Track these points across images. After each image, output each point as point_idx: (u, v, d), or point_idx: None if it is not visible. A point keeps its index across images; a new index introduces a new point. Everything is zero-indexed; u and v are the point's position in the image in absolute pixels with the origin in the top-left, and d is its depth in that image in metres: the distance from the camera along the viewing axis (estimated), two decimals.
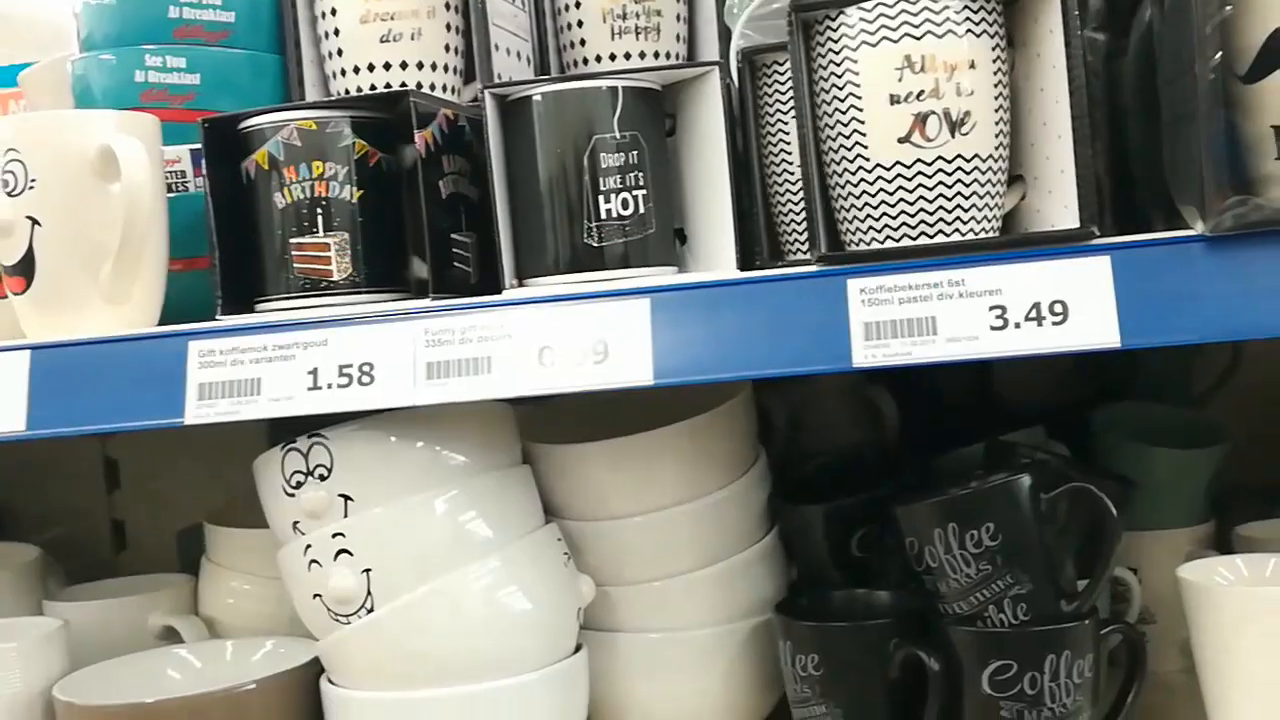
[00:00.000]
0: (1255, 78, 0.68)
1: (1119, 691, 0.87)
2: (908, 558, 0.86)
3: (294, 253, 0.86)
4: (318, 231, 0.86)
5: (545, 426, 0.96)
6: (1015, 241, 0.74)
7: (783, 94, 0.89)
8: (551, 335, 0.77)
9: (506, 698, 0.84)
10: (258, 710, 0.87)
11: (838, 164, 0.77)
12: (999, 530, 0.81)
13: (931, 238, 0.75)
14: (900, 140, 0.74)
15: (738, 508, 0.94)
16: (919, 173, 0.74)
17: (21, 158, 0.87)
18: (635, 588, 0.93)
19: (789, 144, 0.89)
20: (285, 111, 0.86)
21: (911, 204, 0.75)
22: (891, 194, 0.75)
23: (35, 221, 0.87)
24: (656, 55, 1.02)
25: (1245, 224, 0.66)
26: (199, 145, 0.89)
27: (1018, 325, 0.70)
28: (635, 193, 0.83)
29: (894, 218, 0.75)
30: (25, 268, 0.88)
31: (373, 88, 0.98)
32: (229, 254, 0.88)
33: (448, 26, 0.99)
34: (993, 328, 0.71)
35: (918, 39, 0.73)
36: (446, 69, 1.00)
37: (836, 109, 0.76)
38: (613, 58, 1.02)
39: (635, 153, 0.83)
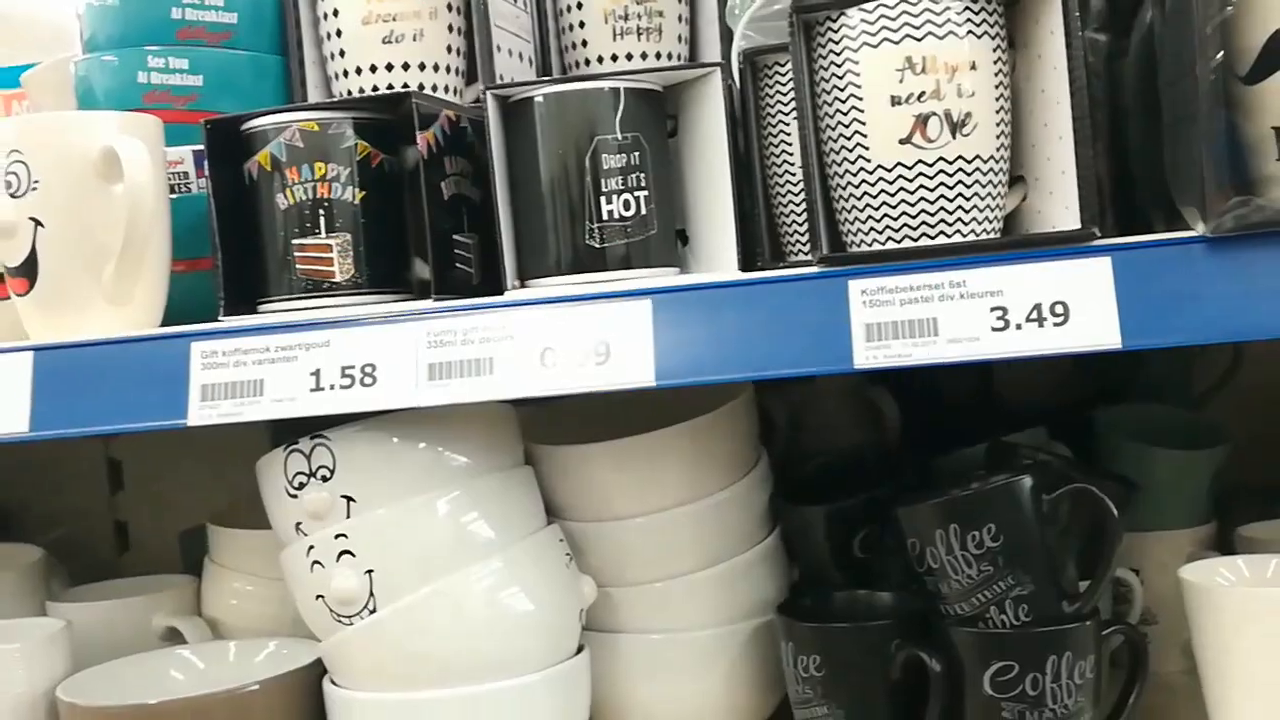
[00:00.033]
0: (1256, 79, 0.68)
1: (1120, 692, 0.87)
2: (909, 559, 0.86)
3: (296, 254, 0.86)
4: (320, 233, 0.86)
5: (548, 427, 0.96)
6: (1016, 243, 0.74)
7: (784, 95, 0.89)
8: (553, 336, 0.77)
9: (509, 699, 0.84)
10: (261, 711, 0.87)
11: (839, 165, 0.77)
12: (1000, 531, 0.81)
13: (933, 239, 0.75)
14: (901, 141, 0.74)
15: (739, 509, 0.94)
16: (920, 174, 0.74)
17: (24, 159, 0.87)
18: (637, 589, 0.93)
19: (790, 145, 0.89)
20: (287, 113, 0.86)
21: (913, 205, 0.75)
22: (893, 195, 0.75)
23: (38, 223, 0.87)
24: (658, 56, 1.03)
25: (1246, 225, 0.66)
26: (201, 146, 0.89)
27: (1019, 326, 0.70)
28: (637, 194, 0.83)
29: (895, 219, 0.75)
30: (28, 269, 0.88)
31: (375, 89, 0.98)
32: (231, 255, 0.88)
33: (450, 28, 0.99)
34: (994, 329, 0.71)
35: (919, 40, 0.73)
36: (449, 70, 1.00)
37: (838, 110, 0.76)
38: (614, 58, 1.02)
39: (637, 154, 0.83)
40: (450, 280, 0.86)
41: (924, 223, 0.75)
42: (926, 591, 0.85)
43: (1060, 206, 0.75)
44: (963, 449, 0.99)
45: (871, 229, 0.76)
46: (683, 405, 0.94)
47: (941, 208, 0.74)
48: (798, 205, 0.89)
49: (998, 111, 0.75)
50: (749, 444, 0.96)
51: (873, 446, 1.07)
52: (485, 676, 0.84)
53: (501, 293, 0.83)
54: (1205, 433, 1.06)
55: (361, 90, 0.98)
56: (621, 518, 0.92)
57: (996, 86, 0.75)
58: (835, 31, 0.76)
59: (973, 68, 0.74)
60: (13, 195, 0.87)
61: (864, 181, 0.75)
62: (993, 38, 0.75)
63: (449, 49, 0.99)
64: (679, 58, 1.03)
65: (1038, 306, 0.70)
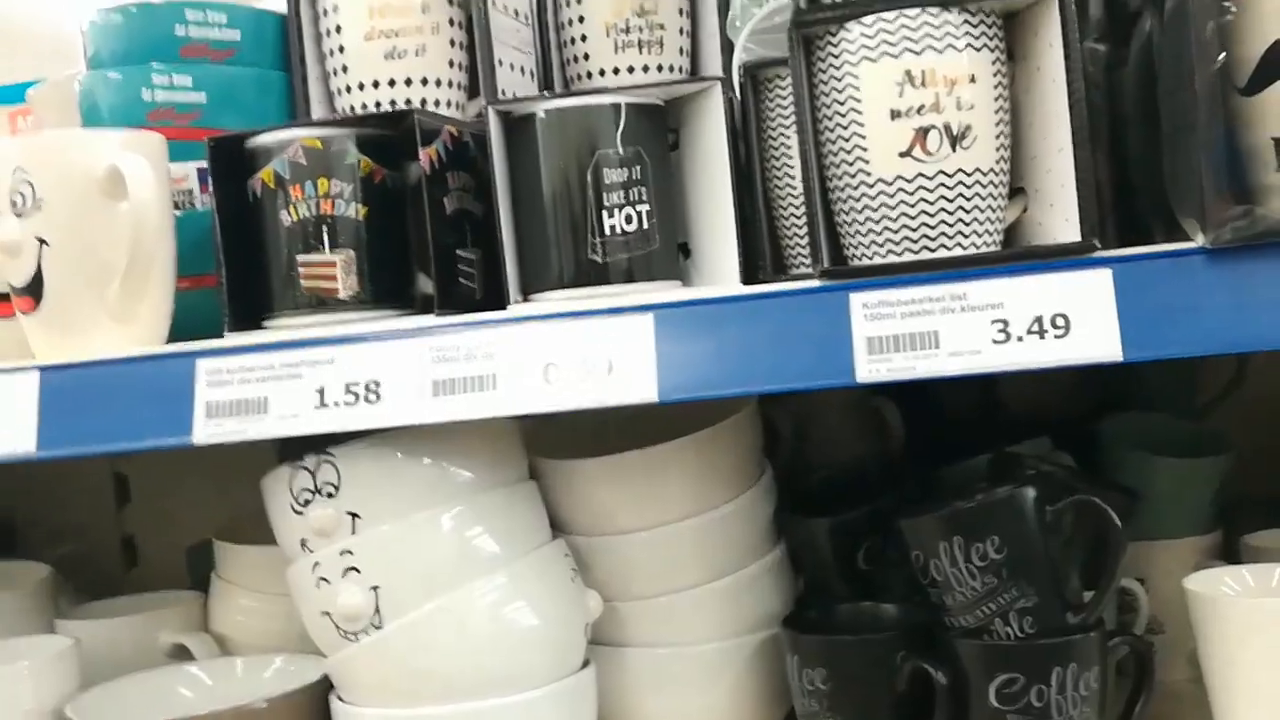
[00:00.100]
0: (1255, 89, 0.68)
1: (1127, 702, 0.87)
2: (913, 571, 0.86)
3: (300, 270, 0.86)
4: (324, 249, 0.86)
5: (552, 442, 0.96)
6: (1017, 255, 0.74)
7: (785, 107, 0.89)
8: (556, 352, 0.77)
9: (515, 714, 0.84)
10: None
11: (839, 178, 0.77)
12: (1004, 543, 0.81)
13: (933, 252, 0.75)
14: (901, 154, 0.74)
15: (744, 522, 0.94)
16: (920, 187, 0.74)
17: (29, 178, 0.87)
18: (642, 603, 0.93)
19: (792, 157, 0.89)
20: (290, 130, 0.87)
21: (913, 218, 0.75)
22: (893, 208, 0.75)
23: (43, 241, 0.87)
24: (660, 68, 1.03)
25: (1246, 236, 0.66)
26: (206, 163, 0.90)
27: (1020, 338, 0.70)
28: (639, 208, 0.84)
29: (895, 232, 0.75)
30: (34, 288, 0.88)
31: (377, 104, 0.98)
32: (236, 272, 0.88)
33: (451, 42, 0.99)
34: (995, 341, 0.71)
35: (918, 54, 0.73)
36: (451, 84, 1.00)
37: (838, 123, 0.76)
38: (616, 71, 1.02)
39: (638, 168, 0.84)
40: (454, 295, 0.86)
41: (925, 235, 0.75)
42: (931, 603, 0.85)
43: (1061, 218, 0.75)
44: (966, 460, 0.99)
45: (872, 242, 0.76)
46: (686, 419, 0.94)
47: (942, 220, 0.75)
48: (799, 217, 0.90)
49: (997, 124, 0.75)
50: (752, 457, 0.96)
51: (877, 458, 1.07)
52: (491, 692, 0.84)
53: (505, 306, 0.84)
54: (1209, 442, 1.06)
55: (364, 105, 0.99)
56: (626, 532, 0.92)
57: (996, 99, 0.75)
58: (835, 45, 0.76)
59: (972, 80, 0.74)
60: (18, 214, 0.87)
61: (864, 195, 0.76)
62: (992, 50, 0.75)
63: (451, 64, 0.99)
64: (681, 70, 1.04)
65: (1039, 319, 0.70)
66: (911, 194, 0.74)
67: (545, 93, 1.05)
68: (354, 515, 0.85)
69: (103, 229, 0.87)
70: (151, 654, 1.04)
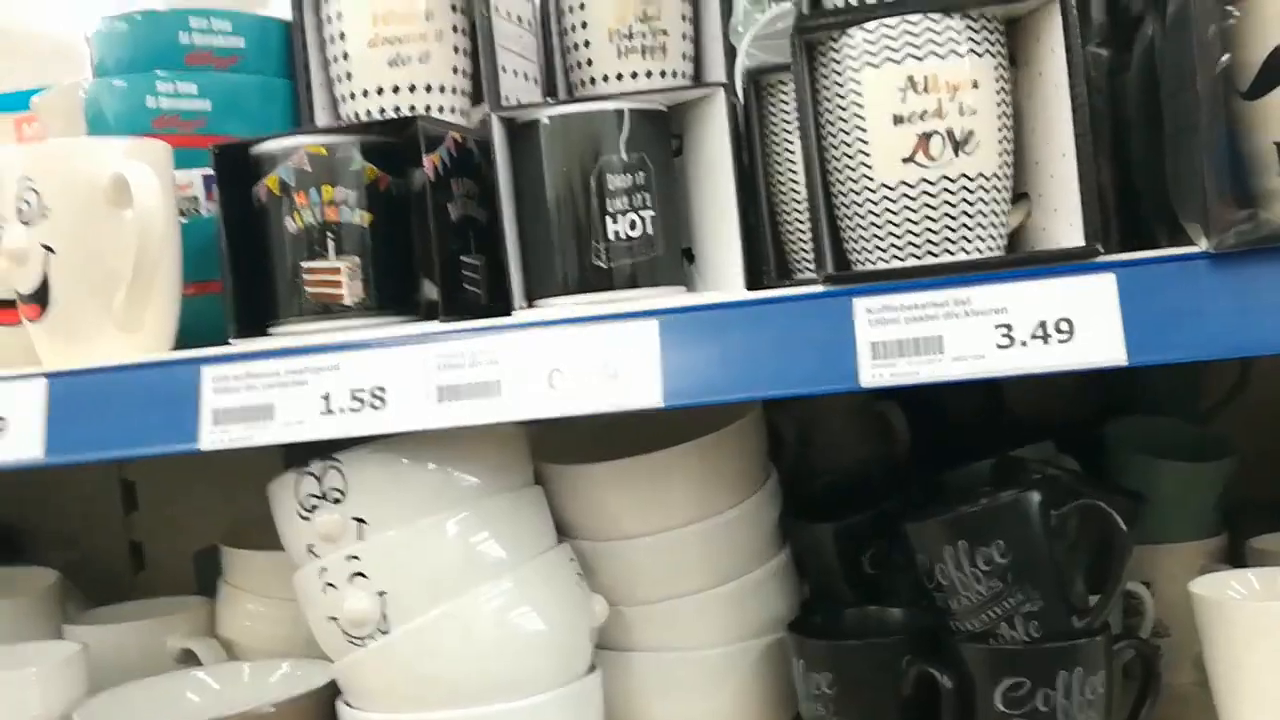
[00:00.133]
0: (1257, 94, 0.68)
1: (1132, 706, 0.87)
2: (919, 575, 0.86)
3: (305, 277, 0.87)
4: (328, 256, 0.86)
5: (558, 447, 0.96)
6: (1020, 260, 0.74)
7: (788, 113, 0.89)
8: (561, 358, 0.77)
9: (521, 719, 0.84)
10: None
11: (843, 184, 0.77)
12: (1009, 547, 0.81)
13: (937, 257, 0.75)
14: (904, 160, 0.74)
15: (749, 527, 0.94)
16: (923, 192, 0.74)
17: (35, 186, 0.87)
18: (648, 607, 0.93)
19: (795, 162, 0.89)
20: (295, 137, 0.87)
21: (916, 223, 0.75)
22: (896, 214, 0.75)
23: (49, 249, 0.88)
24: (663, 74, 1.03)
25: (1249, 241, 0.66)
26: (210, 170, 0.90)
27: (1024, 343, 0.70)
28: (643, 213, 0.84)
29: (899, 237, 0.75)
30: (40, 295, 0.88)
31: (381, 110, 0.99)
32: (241, 278, 0.88)
33: (455, 49, 1.00)
34: (999, 346, 0.71)
35: (920, 59, 0.73)
36: (454, 91, 1.00)
37: (841, 129, 0.76)
38: (619, 77, 1.02)
39: (642, 174, 0.84)
40: (459, 301, 0.86)
41: (928, 241, 0.75)
42: (936, 608, 0.85)
43: (1064, 223, 0.75)
44: (971, 464, 0.99)
45: (876, 247, 0.76)
46: (691, 424, 0.94)
47: (945, 226, 0.75)
48: (803, 222, 0.90)
49: (1000, 129, 0.75)
50: (757, 462, 0.96)
51: (881, 462, 1.07)
52: (497, 697, 0.84)
53: (509, 312, 0.84)
54: (1213, 446, 1.06)
55: (368, 112, 0.99)
56: (631, 536, 0.92)
57: (998, 104, 0.75)
58: (837, 51, 0.76)
59: (974, 86, 0.74)
60: (24, 222, 0.88)
61: (868, 200, 0.76)
62: (994, 56, 0.75)
63: (454, 70, 1.00)
64: (684, 76, 1.04)
65: (1043, 323, 0.70)
66: (915, 199, 0.75)
67: (549, 99, 1.05)
68: (360, 521, 0.85)
69: (108, 236, 0.87)
70: (159, 659, 1.04)
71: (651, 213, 0.84)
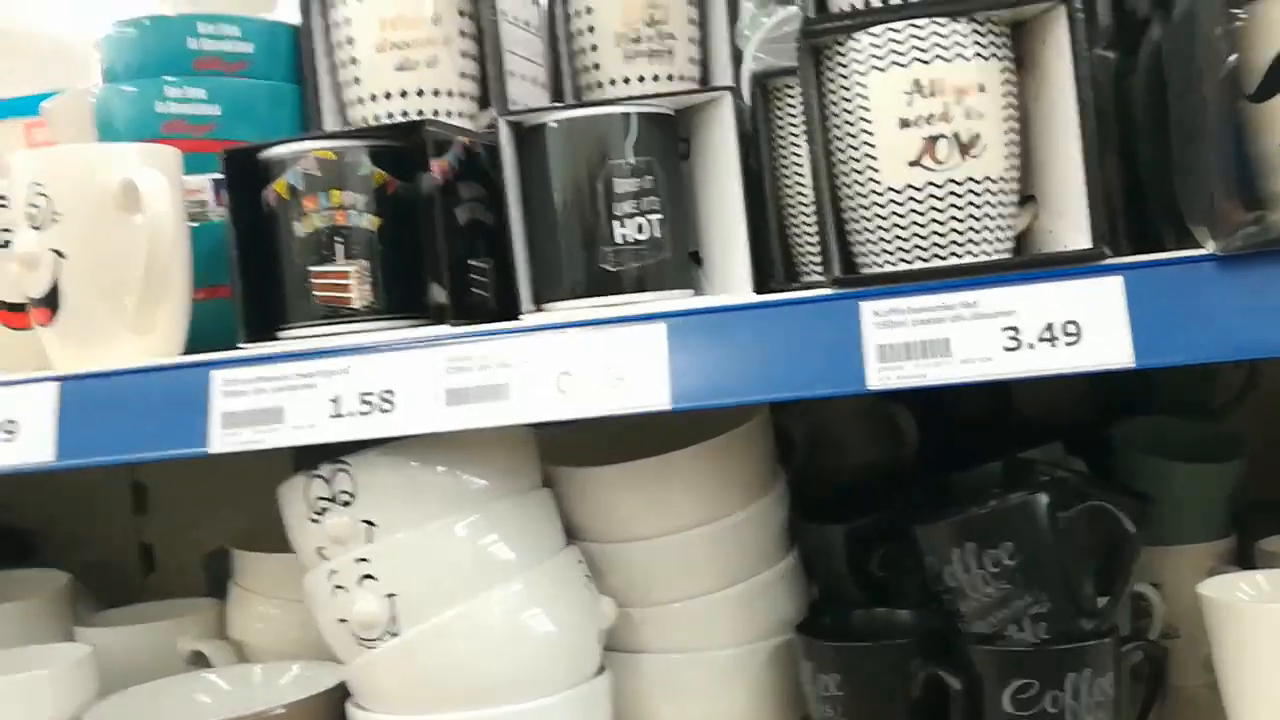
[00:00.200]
0: (1264, 96, 0.68)
1: (1141, 707, 0.87)
2: (927, 577, 0.86)
3: (314, 281, 0.87)
4: (337, 260, 0.87)
5: (566, 449, 0.96)
6: (1027, 263, 0.74)
7: (795, 117, 0.89)
8: (569, 361, 0.77)
9: None
10: None
11: (849, 187, 0.77)
12: (1018, 549, 0.81)
13: (944, 260, 0.75)
14: (911, 163, 0.74)
15: (757, 529, 0.94)
16: (930, 195, 0.74)
17: (46, 191, 0.88)
18: (657, 609, 0.93)
19: (802, 165, 0.89)
20: (303, 142, 0.87)
21: (923, 226, 0.75)
22: (903, 217, 0.75)
23: (60, 254, 0.88)
24: (670, 78, 1.03)
25: (1256, 243, 0.66)
26: (220, 175, 0.90)
27: (1031, 346, 0.70)
28: (650, 217, 0.84)
29: (906, 240, 0.75)
30: (51, 300, 0.89)
31: (390, 115, 0.99)
32: (250, 282, 0.89)
33: (462, 54, 1.00)
34: (1006, 349, 0.71)
35: (927, 63, 0.74)
36: (462, 95, 1.01)
37: (847, 132, 0.76)
38: (626, 81, 1.03)
39: (650, 177, 0.84)
40: (467, 305, 0.86)
41: (935, 244, 0.75)
42: (945, 609, 0.85)
43: (1071, 226, 0.75)
44: (980, 466, 0.99)
45: (883, 250, 0.76)
46: (699, 427, 0.94)
47: (952, 229, 0.75)
48: (810, 225, 0.90)
49: (1007, 132, 0.75)
50: (766, 464, 0.97)
51: (890, 464, 1.07)
52: (507, 698, 0.84)
53: (517, 317, 0.84)
54: (1223, 446, 1.06)
55: (376, 117, 0.99)
56: (640, 539, 0.92)
57: (1005, 108, 0.75)
58: (844, 55, 0.76)
59: (981, 90, 0.74)
60: (35, 227, 0.88)
61: (874, 203, 0.76)
62: (1000, 59, 0.75)
63: (462, 75, 1.00)
64: (691, 79, 1.04)
65: (1050, 326, 0.70)
66: (921, 202, 0.75)
67: (556, 103, 1.05)
68: (369, 523, 0.85)
69: (119, 241, 0.88)
70: (170, 661, 1.05)
71: (659, 216, 0.84)
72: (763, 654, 0.95)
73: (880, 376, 0.72)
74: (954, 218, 0.75)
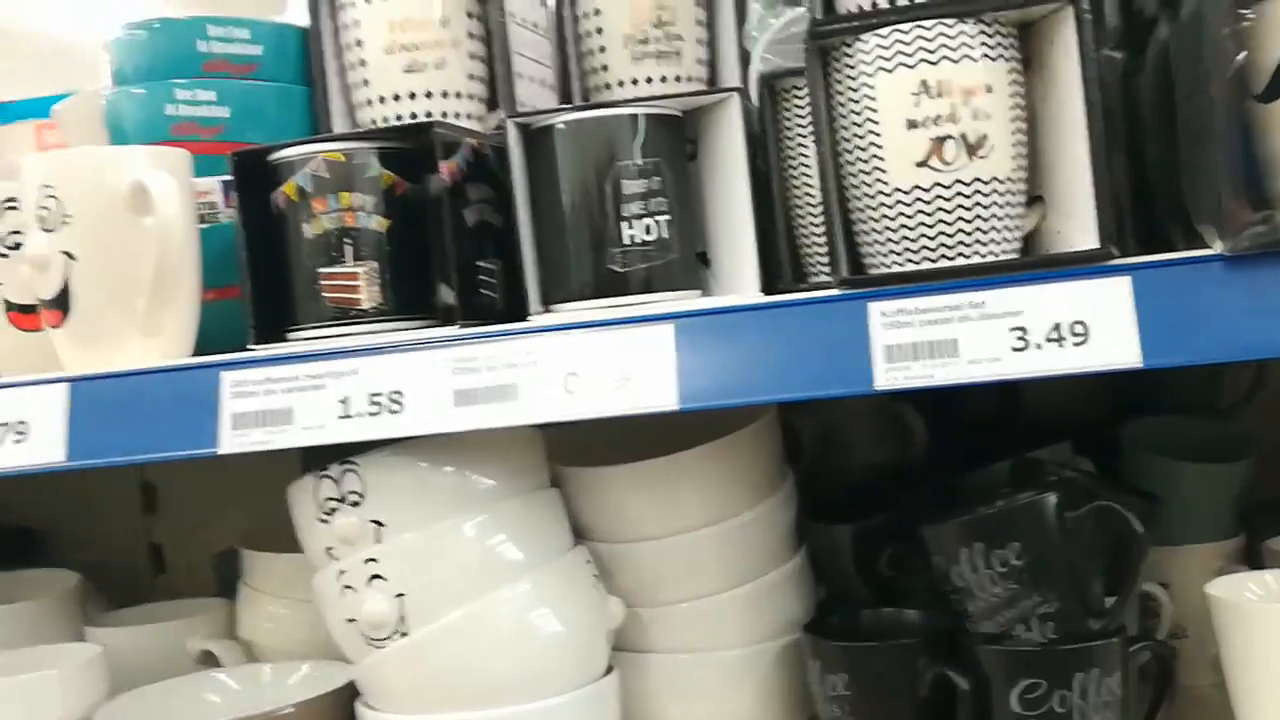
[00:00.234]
0: (1272, 96, 0.68)
1: (1149, 707, 0.87)
2: (935, 577, 0.86)
3: (323, 282, 0.87)
4: (346, 261, 0.87)
5: (574, 449, 0.97)
6: (1035, 263, 0.74)
7: (803, 117, 0.89)
8: (577, 362, 0.77)
9: None
10: None
11: (857, 188, 0.77)
12: (1025, 550, 0.81)
13: (951, 260, 0.75)
14: (918, 164, 0.74)
15: (765, 529, 0.94)
16: (938, 196, 0.75)
17: (56, 194, 0.88)
18: (665, 609, 0.94)
19: (810, 166, 0.90)
20: (312, 144, 0.88)
21: (931, 227, 0.75)
22: (911, 217, 0.75)
23: (70, 256, 0.88)
24: (678, 79, 1.03)
25: (1264, 243, 0.66)
26: (229, 176, 0.91)
27: (1039, 346, 0.71)
28: (658, 218, 0.84)
29: (914, 241, 0.76)
30: (61, 301, 0.89)
31: (398, 117, 0.99)
32: (260, 284, 0.89)
33: (471, 55, 1.00)
34: (1014, 349, 0.71)
35: (934, 64, 0.74)
36: (470, 97, 1.01)
37: (855, 133, 0.77)
38: (634, 82, 1.03)
39: (657, 178, 0.84)
40: (475, 306, 0.87)
41: (942, 244, 0.75)
42: (953, 609, 0.86)
43: (1079, 226, 0.75)
44: (988, 466, 0.99)
45: (890, 251, 0.77)
46: (708, 427, 0.94)
47: (960, 229, 0.75)
48: (818, 226, 0.90)
49: (1014, 133, 0.75)
50: (773, 464, 0.97)
51: (899, 464, 1.07)
52: (515, 698, 0.85)
53: (525, 318, 0.84)
54: (1231, 446, 1.06)
55: (385, 118, 1.00)
56: (648, 539, 0.93)
57: (1012, 108, 0.75)
58: (851, 56, 0.76)
59: (988, 90, 0.74)
60: (45, 229, 0.89)
61: (882, 204, 0.76)
62: (1008, 60, 0.75)
63: (470, 76, 1.00)
64: (699, 80, 1.04)
65: (1057, 326, 0.71)
66: (929, 203, 0.75)
67: (564, 105, 1.05)
68: (378, 524, 0.85)
69: (129, 243, 0.88)
70: (179, 661, 1.05)
71: (667, 217, 0.84)
72: (770, 654, 0.95)
73: (888, 377, 0.72)
74: (961, 218, 0.75)
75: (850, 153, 0.77)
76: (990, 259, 0.75)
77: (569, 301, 0.85)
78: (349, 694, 0.91)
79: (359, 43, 1.00)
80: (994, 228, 0.75)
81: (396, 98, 0.99)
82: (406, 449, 0.85)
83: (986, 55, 0.74)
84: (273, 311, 0.89)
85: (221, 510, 1.31)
